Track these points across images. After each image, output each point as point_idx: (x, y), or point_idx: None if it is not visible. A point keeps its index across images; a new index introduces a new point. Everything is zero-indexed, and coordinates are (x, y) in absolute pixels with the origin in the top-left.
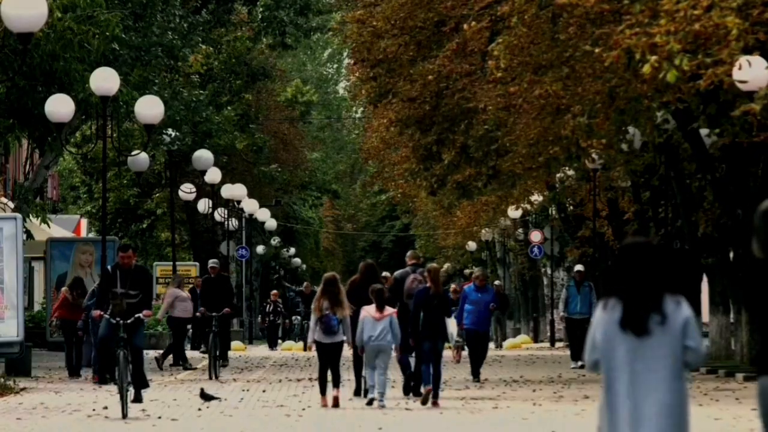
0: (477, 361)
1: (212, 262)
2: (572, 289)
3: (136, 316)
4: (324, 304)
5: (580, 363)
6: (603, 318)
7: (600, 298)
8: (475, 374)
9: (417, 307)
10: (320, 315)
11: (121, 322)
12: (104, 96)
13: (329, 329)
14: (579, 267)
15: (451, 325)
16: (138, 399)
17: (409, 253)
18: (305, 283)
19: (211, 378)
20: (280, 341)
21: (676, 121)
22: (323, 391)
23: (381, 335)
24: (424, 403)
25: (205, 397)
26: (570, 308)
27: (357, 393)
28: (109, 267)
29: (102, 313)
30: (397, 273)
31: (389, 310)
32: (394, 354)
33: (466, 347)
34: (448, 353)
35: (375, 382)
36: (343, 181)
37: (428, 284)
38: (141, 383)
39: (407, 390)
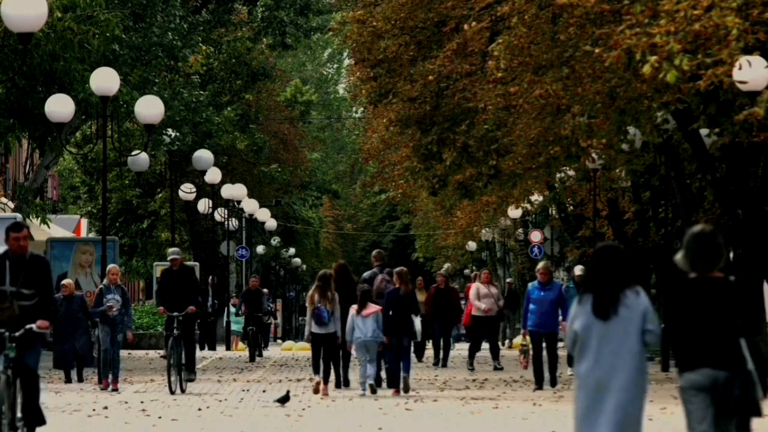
0: (542, 366)
1: (173, 252)
2: (572, 291)
3: (27, 327)
4: (315, 298)
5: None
6: (578, 309)
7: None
8: (547, 381)
9: (389, 306)
10: (313, 308)
11: (8, 334)
12: (104, 96)
13: (320, 320)
14: (579, 270)
15: (417, 322)
16: None
17: (374, 254)
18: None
19: (172, 392)
20: (279, 341)
21: (676, 121)
22: (316, 371)
23: (366, 332)
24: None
25: (281, 400)
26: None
27: (338, 386)
28: None
29: None
30: (366, 273)
31: (373, 308)
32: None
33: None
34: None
35: (368, 372)
36: (343, 181)
37: (397, 285)
38: (35, 419)
39: (389, 383)
